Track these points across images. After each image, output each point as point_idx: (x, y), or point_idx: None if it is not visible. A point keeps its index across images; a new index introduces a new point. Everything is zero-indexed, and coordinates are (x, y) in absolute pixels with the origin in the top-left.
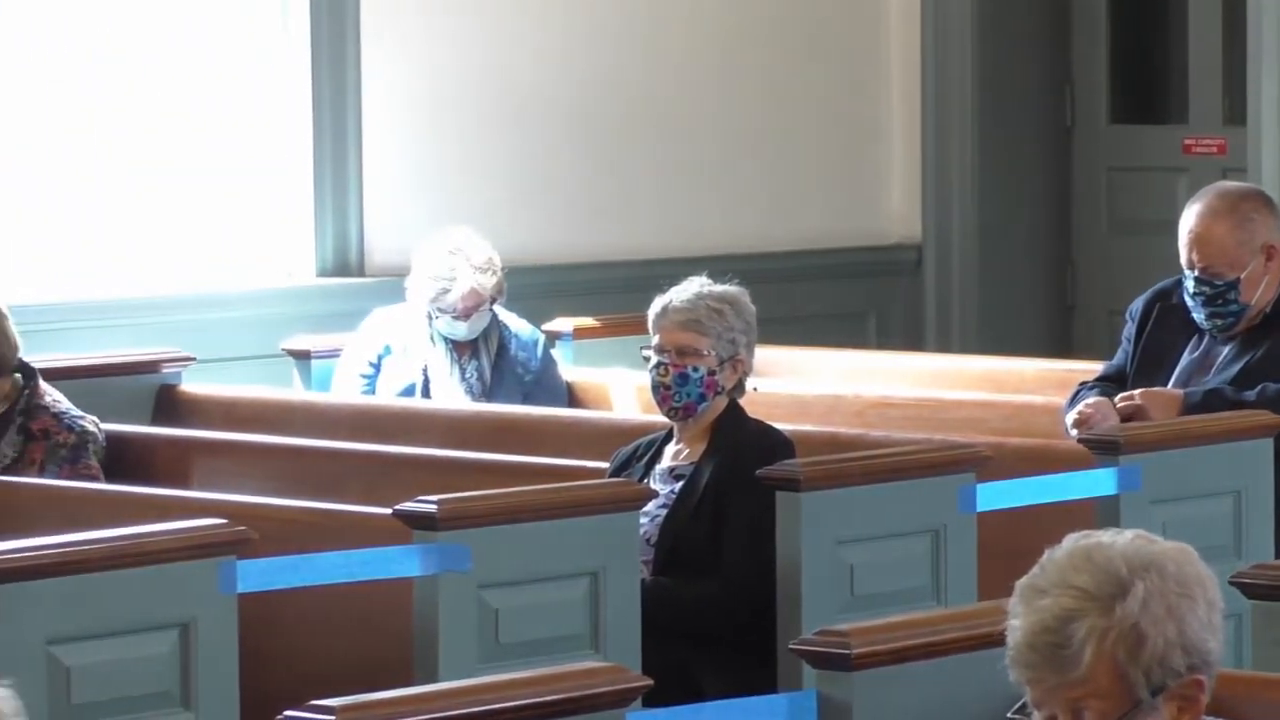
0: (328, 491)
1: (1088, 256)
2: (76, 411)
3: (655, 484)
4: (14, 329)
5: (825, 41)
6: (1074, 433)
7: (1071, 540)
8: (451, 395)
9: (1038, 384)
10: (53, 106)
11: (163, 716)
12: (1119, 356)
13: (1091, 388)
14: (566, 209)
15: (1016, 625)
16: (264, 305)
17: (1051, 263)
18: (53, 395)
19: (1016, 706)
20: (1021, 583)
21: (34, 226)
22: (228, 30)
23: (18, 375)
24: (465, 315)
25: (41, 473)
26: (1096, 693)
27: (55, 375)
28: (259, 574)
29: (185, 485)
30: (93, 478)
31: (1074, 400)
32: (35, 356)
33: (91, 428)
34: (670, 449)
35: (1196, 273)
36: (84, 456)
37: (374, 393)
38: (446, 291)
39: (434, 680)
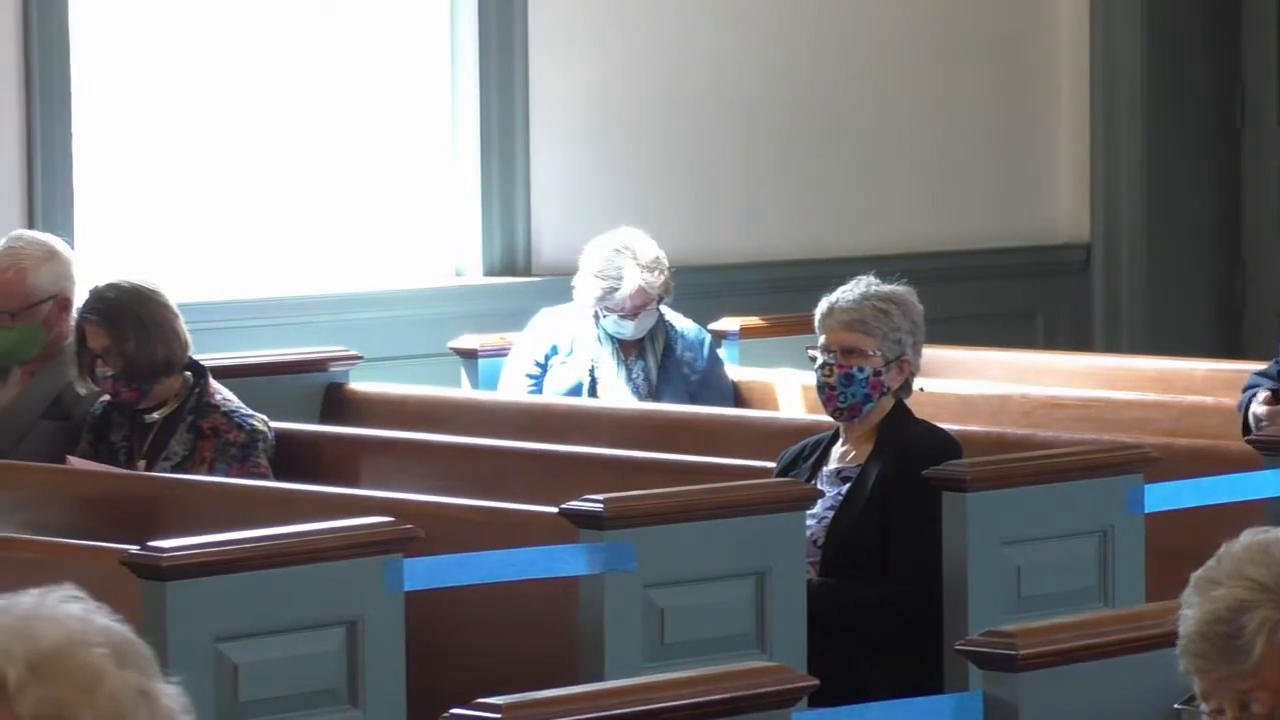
0: (494, 490)
1: (1258, 258)
2: (246, 410)
3: (822, 485)
4: (185, 327)
5: (994, 41)
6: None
7: (1249, 534)
8: (618, 395)
9: (1207, 385)
10: (223, 107)
11: (329, 714)
12: None
13: (1266, 375)
14: (733, 208)
15: (1189, 615)
16: (431, 304)
17: (1221, 264)
18: (223, 394)
19: (1185, 698)
20: (1197, 574)
21: (205, 225)
22: (397, 31)
23: (188, 374)
24: (632, 314)
25: (211, 471)
26: (1265, 685)
27: (225, 374)
28: (425, 572)
29: (353, 483)
30: (262, 476)
31: (1248, 390)
32: (205, 355)
33: (261, 426)
34: (836, 450)
35: None
36: (253, 455)
37: (540, 392)
38: (614, 290)
39: (599, 679)
